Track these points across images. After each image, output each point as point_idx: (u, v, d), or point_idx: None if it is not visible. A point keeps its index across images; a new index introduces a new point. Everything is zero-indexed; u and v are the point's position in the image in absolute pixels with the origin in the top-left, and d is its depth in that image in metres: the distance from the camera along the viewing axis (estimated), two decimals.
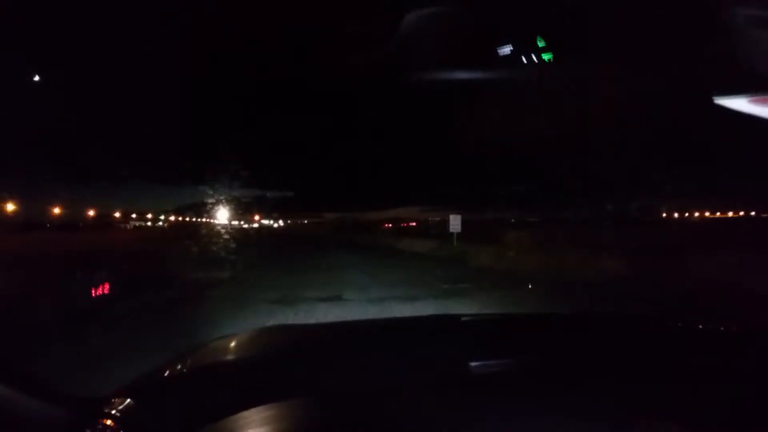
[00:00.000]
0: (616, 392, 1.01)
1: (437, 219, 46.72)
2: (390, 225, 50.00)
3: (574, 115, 13.59)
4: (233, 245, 15.09)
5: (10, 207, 18.10)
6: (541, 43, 4.02)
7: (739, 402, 0.97)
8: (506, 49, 4.18)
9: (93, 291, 6.49)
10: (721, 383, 1.07)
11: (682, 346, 1.43)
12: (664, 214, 42.08)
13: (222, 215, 22.07)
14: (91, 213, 26.93)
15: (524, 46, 4.17)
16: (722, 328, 1.67)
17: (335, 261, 16.40)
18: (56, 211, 22.39)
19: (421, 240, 25.49)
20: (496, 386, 1.07)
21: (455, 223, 20.24)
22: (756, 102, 1.99)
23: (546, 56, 4.00)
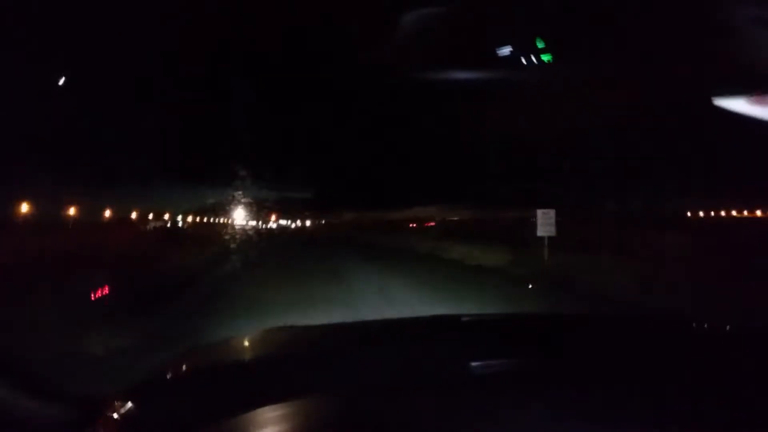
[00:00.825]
0: (617, 392, 1.01)
1: (456, 219, 46.11)
2: (415, 225, 49.99)
3: (590, 112, 13.40)
4: (230, 251, 13.91)
5: (24, 207, 18.48)
6: (541, 44, 3.93)
7: (739, 402, 0.97)
8: (505, 50, 4.10)
9: (92, 294, 6.58)
10: (721, 383, 1.06)
11: (682, 346, 1.43)
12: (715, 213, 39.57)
13: (239, 216, 22.32)
14: (107, 214, 27.45)
15: (529, 45, 4.08)
16: (723, 328, 1.68)
17: (365, 289, 9.58)
18: (70, 212, 22.82)
19: (478, 246, 16.62)
20: (496, 386, 1.08)
21: (546, 221, 11.84)
22: (755, 102, 1.92)
23: (545, 57, 3.90)
